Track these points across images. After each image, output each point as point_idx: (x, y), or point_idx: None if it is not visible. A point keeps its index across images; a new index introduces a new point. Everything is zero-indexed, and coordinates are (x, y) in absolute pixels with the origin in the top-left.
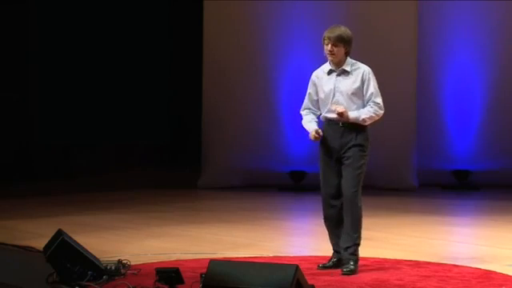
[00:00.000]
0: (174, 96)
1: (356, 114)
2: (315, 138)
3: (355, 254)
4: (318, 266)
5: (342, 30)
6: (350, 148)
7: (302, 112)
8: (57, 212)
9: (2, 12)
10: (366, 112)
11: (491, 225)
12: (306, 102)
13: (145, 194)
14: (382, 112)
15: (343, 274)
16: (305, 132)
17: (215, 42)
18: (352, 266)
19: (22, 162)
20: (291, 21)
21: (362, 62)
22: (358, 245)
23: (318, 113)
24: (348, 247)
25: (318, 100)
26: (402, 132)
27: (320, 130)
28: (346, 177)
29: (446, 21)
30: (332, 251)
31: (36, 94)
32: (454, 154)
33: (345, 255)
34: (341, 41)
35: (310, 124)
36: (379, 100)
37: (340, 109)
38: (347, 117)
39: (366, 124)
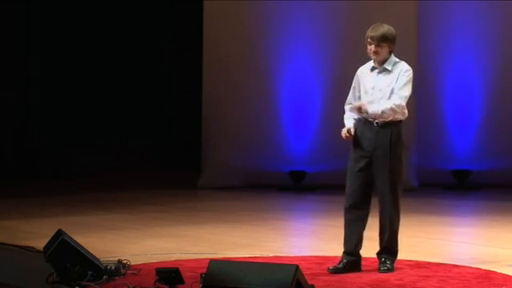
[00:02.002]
0: (174, 96)
1: (375, 107)
2: (346, 137)
3: (393, 255)
4: (329, 268)
5: (386, 29)
6: (384, 149)
7: (346, 107)
8: (57, 212)
9: (1, 12)
10: (385, 104)
11: (491, 225)
12: (350, 97)
13: (145, 194)
14: (403, 103)
15: (380, 272)
16: (305, 132)
17: (215, 41)
18: (389, 265)
19: (22, 162)
20: (291, 21)
21: (363, 63)
22: (395, 259)
23: None
24: (385, 251)
25: (360, 96)
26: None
27: (352, 130)
28: (383, 180)
29: (445, 21)
30: (342, 252)
31: (36, 94)
32: (454, 153)
33: (382, 256)
34: (386, 40)
35: (347, 121)
36: (403, 93)
37: (357, 104)
38: (366, 110)
39: (387, 117)
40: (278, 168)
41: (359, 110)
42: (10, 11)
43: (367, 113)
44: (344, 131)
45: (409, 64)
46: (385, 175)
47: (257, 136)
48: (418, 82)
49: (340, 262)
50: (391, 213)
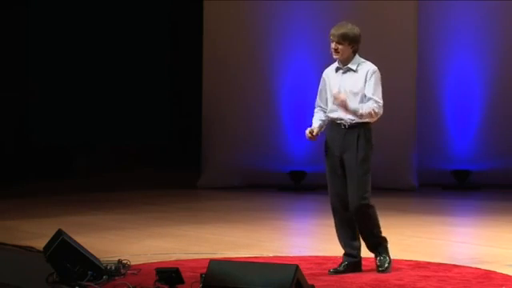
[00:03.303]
0: (174, 96)
1: (356, 106)
2: (308, 137)
3: (386, 253)
4: (329, 271)
5: (348, 28)
6: (351, 151)
7: (315, 110)
8: (57, 212)
9: (2, 12)
10: (366, 107)
11: (491, 225)
12: (317, 100)
13: (145, 194)
14: (380, 112)
15: (379, 272)
16: (304, 132)
17: (215, 42)
18: (387, 265)
19: (22, 162)
20: (291, 21)
21: None
22: (386, 246)
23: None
24: (374, 249)
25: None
26: (402, 132)
27: (314, 130)
28: (351, 184)
29: (446, 21)
30: (342, 254)
31: (36, 94)
32: (454, 153)
33: (376, 253)
34: (345, 39)
35: (314, 121)
36: (380, 100)
37: (342, 96)
38: (346, 105)
39: (363, 119)
40: (278, 168)
41: (341, 103)
42: (11, 11)
43: (346, 108)
44: (306, 131)
45: (409, 64)
46: (353, 177)
47: (257, 136)
48: (417, 82)
49: (341, 264)
50: (363, 211)
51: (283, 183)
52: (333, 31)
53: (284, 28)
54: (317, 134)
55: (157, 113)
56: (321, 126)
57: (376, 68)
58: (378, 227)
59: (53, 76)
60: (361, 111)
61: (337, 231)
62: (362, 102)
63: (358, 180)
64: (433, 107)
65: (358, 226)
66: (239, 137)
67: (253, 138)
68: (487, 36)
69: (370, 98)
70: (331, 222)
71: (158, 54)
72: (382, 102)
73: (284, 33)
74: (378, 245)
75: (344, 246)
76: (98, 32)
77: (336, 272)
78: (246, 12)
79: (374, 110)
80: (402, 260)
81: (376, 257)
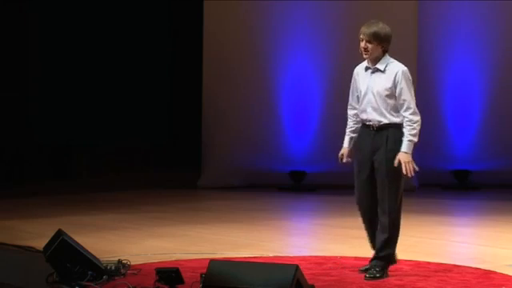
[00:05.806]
0: (174, 96)
1: (407, 148)
2: (340, 160)
3: (384, 262)
4: (360, 269)
5: (379, 27)
6: (381, 154)
7: (348, 110)
8: (57, 212)
9: (1, 12)
10: (411, 135)
11: (491, 225)
12: (350, 99)
13: (145, 194)
14: (418, 118)
15: (365, 279)
16: (305, 132)
17: (215, 42)
18: (377, 274)
19: (22, 162)
20: (291, 21)
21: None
22: (390, 261)
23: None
24: (377, 257)
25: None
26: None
27: (344, 155)
28: (380, 187)
29: (446, 21)
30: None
31: (36, 94)
32: (454, 153)
33: (373, 262)
34: (376, 38)
35: (346, 137)
36: (413, 105)
37: (406, 163)
38: (408, 159)
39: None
40: (278, 168)
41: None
42: (10, 11)
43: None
44: (340, 155)
45: (409, 64)
46: (383, 180)
47: (257, 136)
48: (417, 82)
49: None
50: (389, 218)
51: (283, 183)
52: (363, 30)
53: (284, 28)
54: (349, 156)
55: (157, 113)
56: (352, 144)
57: (405, 68)
58: (395, 240)
59: (53, 76)
60: (415, 140)
61: (366, 230)
62: (392, 100)
63: (384, 183)
64: (433, 107)
65: (379, 228)
66: (239, 137)
67: (253, 138)
68: (487, 36)
69: (401, 106)
70: (331, 221)
71: (158, 53)
72: (414, 105)
73: (284, 33)
74: (385, 256)
75: (372, 247)
76: (99, 32)
77: (366, 270)
78: (246, 12)
79: (415, 128)
80: (402, 260)
81: (371, 267)
